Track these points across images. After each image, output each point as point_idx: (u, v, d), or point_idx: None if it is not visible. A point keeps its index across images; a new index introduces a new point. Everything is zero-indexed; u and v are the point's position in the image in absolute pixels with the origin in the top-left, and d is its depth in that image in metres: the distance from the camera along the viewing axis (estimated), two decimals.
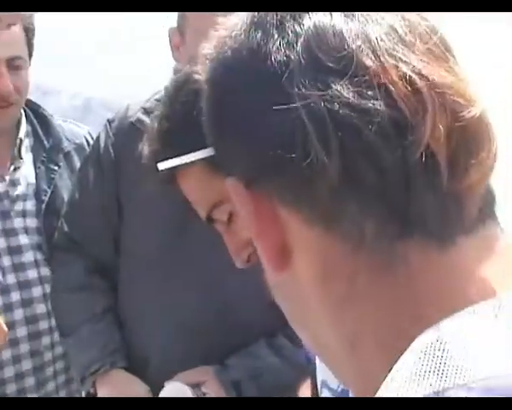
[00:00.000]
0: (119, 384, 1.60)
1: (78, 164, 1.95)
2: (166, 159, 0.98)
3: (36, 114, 1.97)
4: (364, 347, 0.53)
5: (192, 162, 0.97)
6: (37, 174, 1.90)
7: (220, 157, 0.59)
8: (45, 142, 1.94)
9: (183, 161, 0.97)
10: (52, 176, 1.91)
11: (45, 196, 1.88)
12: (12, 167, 1.88)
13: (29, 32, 1.83)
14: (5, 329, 1.72)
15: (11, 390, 1.80)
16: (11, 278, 1.81)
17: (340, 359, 0.56)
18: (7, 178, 1.87)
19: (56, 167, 1.92)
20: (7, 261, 1.82)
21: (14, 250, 1.83)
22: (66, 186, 1.92)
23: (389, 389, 0.47)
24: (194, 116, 0.89)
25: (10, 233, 1.84)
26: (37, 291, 1.83)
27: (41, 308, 1.83)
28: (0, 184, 1.86)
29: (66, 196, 1.90)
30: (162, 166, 0.99)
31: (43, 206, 1.87)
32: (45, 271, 1.85)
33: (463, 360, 0.46)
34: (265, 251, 0.56)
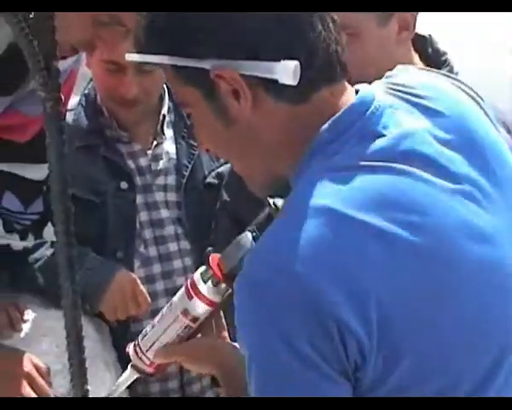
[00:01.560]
0: None
1: None
2: (138, 53, 1.01)
3: None
4: None
5: (157, 64, 1.00)
6: (177, 150, 1.93)
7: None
8: (186, 118, 1.96)
9: (145, 60, 1.00)
10: (192, 152, 1.94)
11: (186, 171, 1.92)
12: (154, 143, 1.92)
13: None
14: (149, 300, 1.77)
15: None
16: (153, 251, 1.86)
17: None
18: (149, 152, 1.91)
19: (196, 143, 1.94)
20: (149, 234, 1.87)
21: (156, 223, 1.88)
22: (206, 162, 1.94)
23: None
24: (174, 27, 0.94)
25: (152, 207, 1.88)
26: (177, 264, 1.87)
27: (180, 281, 1.86)
28: (142, 159, 1.90)
29: (206, 172, 1.93)
30: (129, 57, 1.03)
31: (184, 181, 1.91)
32: (185, 244, 1.89)
33: None
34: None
